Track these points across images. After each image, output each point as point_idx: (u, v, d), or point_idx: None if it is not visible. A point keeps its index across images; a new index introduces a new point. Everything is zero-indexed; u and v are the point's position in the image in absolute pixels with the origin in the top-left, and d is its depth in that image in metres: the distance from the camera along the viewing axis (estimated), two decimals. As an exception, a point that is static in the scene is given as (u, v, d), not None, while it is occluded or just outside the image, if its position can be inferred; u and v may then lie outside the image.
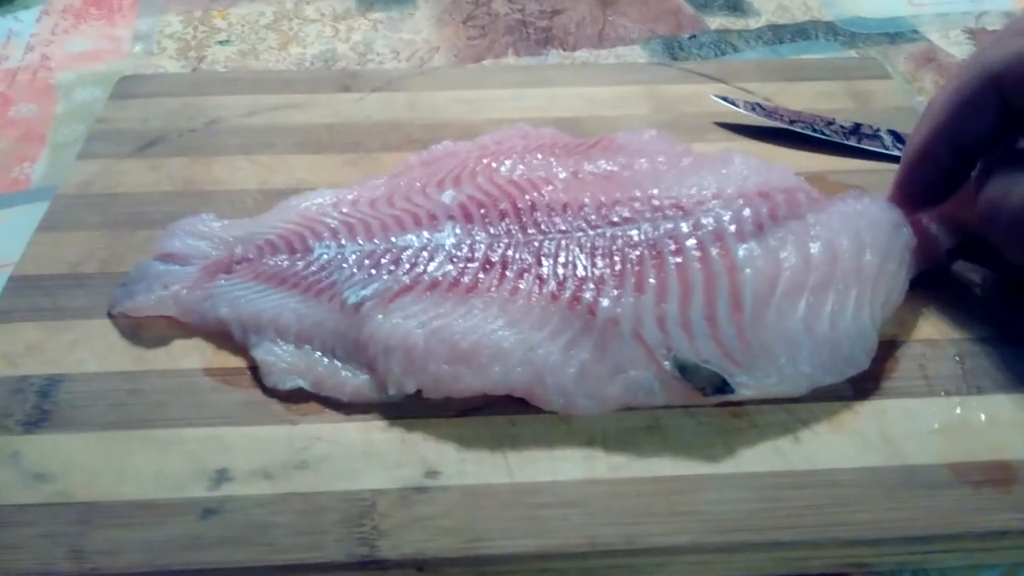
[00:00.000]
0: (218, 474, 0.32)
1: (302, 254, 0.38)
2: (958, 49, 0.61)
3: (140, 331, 0.37)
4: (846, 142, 0.46)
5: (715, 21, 0.64)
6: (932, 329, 0.37)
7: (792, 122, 0.47)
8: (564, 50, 0.61)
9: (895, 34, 0.63)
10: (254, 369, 0.35)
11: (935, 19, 0.65)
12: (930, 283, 0.39)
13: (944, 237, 0.40)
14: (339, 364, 0.35)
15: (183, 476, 0.31)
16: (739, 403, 0.34)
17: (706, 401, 0.33)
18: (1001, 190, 0.34)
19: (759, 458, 0.32)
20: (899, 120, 0.49)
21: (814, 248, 0.35)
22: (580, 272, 0.35)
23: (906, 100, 0.52)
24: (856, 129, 0.47)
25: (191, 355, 0.36)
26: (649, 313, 0.33)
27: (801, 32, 0.63)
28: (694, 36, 0.63)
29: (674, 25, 0.64)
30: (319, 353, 0.35)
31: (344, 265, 0.36)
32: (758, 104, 0.49)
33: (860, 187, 0.43)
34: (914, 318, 0.38)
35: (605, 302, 0.33)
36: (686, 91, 0.51)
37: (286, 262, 0.37)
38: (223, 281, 0.37)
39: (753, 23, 0.64)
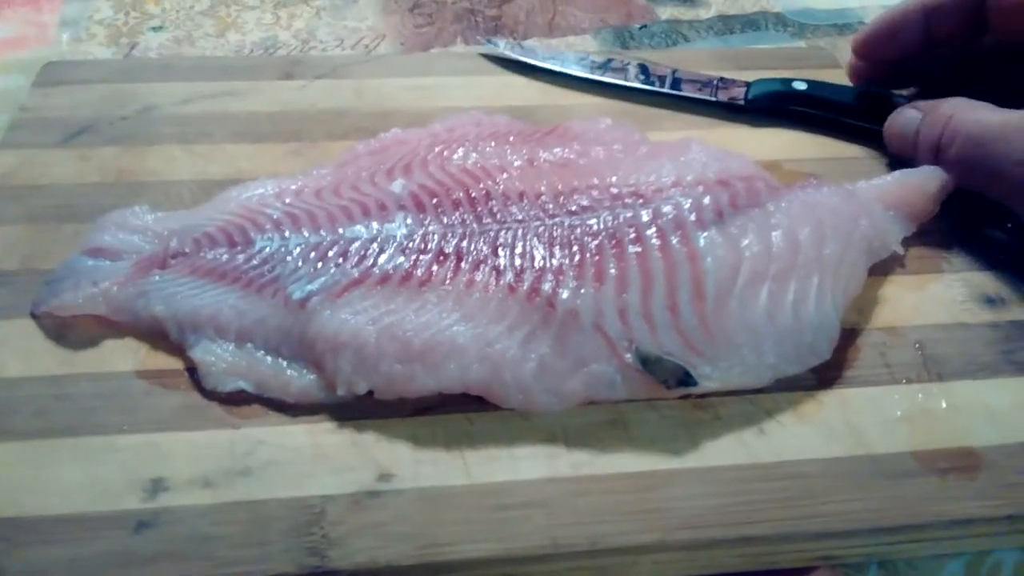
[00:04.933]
0: (153, 484, 0.29)
1: (242, 247, 0.35)
2: (904, 40, 0.62)
3: (67, 332, 0.34)
4: (592, 76, 0.49)
5: (665, 11, 0.64)
6: (891, 316, 0.37)
7: (551, 59, 0.49)
8: (514, 39, 0.60)
9: (843, 25, 0.63)
10: (192, 370, 0.33)
11: (881, 11, 0.65)
12: (887, 271, 0.39)
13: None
14: (284, 363, 0.33)
15: (115, 487, 0.29)
16: (702, 395, 0.33)
17: (669, 394, 0.32)
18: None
19: (724, 451, 0.31)
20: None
21: (775, 236, 0.35)
22: (538, 263, 0.33)
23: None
24: (607, 64, 0.50)
25: (123, 356, 0.34)
26: (610, 304, 0.32)
27: (751, 23, 0.63)
28: (645, 26, 0.62)
29: (624, 15, 0.63)
30: (262, 352, 0.33)
31: (288, 258, 0.34)
32: (519, 44, 0.51)
33: (814, 175, 0.43)
34: (872, 306, 0.37)
35: (564, 294, 0.32)
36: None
37: (225, 256, 0.35)
38: (157, 277, 0.35)
39: (703, 14, 0.64)
